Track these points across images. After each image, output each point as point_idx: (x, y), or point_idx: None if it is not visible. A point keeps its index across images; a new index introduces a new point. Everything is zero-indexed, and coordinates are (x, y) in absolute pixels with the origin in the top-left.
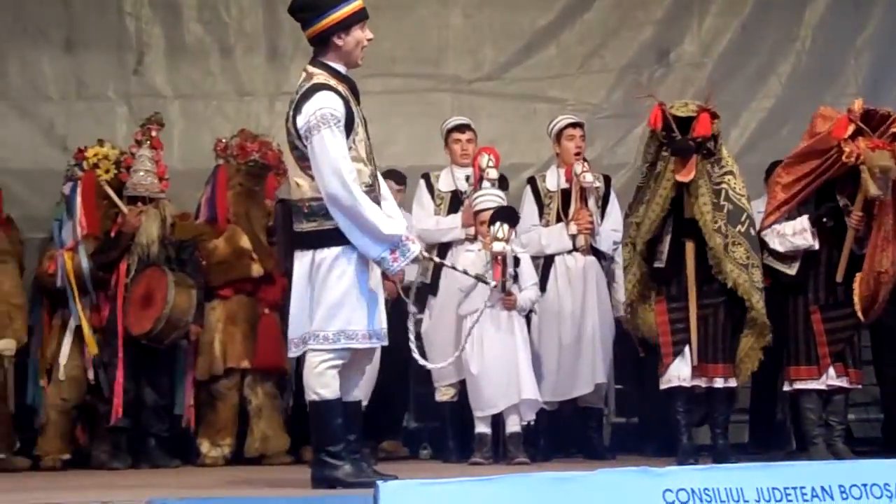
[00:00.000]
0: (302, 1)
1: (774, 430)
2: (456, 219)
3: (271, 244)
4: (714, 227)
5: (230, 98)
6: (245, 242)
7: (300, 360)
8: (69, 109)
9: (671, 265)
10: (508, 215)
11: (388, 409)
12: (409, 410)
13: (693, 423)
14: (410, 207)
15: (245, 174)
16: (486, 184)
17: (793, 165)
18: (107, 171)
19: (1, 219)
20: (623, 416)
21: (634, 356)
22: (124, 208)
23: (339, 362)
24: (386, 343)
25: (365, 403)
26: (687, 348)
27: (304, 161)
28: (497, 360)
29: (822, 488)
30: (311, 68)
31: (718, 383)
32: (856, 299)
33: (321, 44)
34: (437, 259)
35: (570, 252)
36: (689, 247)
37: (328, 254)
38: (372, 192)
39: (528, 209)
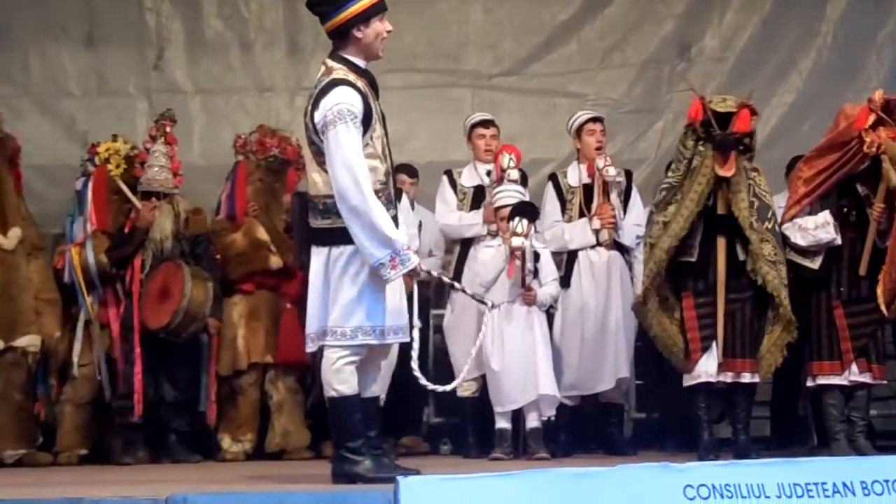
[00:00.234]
0: None
1: (796, 425)
2: (478, 215)
3: (291, 239)
4: (749, 223)
5: (250, 93)
6: (262, 235)
7: (317, 357)
8: (90, 105)
9: (701, 260)
10: (527, 211)
11: (408, 404)
12: (429, 405)
13: (714, 419)
14: (423, 201)
15: (265, 169)
16: (506, 183)
17: (814, 159)
18: (117, 166)
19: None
20: (643, 412)
21: (655, 351)
22: (138, 203)
23: (357, 358)
24: (407, 339)
25: (382, 398)
26: (713, 343)
27: (320, 156)
28: (516, 356)
29: (844, 484)
30: (330, 62)
31: (746, 378)
32: (879, 293)
33: (340, 37)
34: (434, 273)
35: (593, 247)
36: (721, 242)
37: (344, 251)
38: (386, 189)
39: (551, 205)
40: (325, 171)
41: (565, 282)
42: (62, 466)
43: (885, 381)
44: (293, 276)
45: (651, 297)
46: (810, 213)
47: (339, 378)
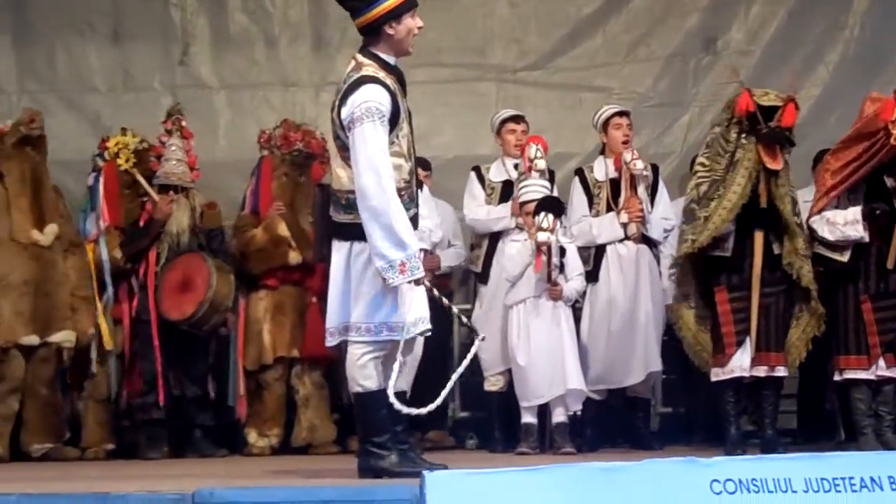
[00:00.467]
0: None
1: (823, 419)
2: (506, 208)
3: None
4: (792, 217)
5: (275, 88)
6: (283, 230)
7: (341, 351)
8: (115, 101)
9: (735, 255)
10: (553, 205)
11: (433, 399)
12: (455, 400)
13: (741, 414)
14: (440, 194)
15: (289, 164)
16: (534, 174)
17: (841, 151)
18: (127, 160)
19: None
20: (670, 406)
21: (682, 346)
22: (155, 196)
23: (381, 353)
24: (429, 326)
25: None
26: (747, 338)
27: (345, 151)
28: (543, 351)
29: (872, 479)
30: (360, 57)
31: (780, 372)
32: None
33: (371, 33)
34: (436, 293)
35: (621, 241)
36: (759, 236)
37: (366, 247)
38: (409, 188)
39: (578, 200)
40: (350, 167)
41: (593, 276)
42: (89, 461)
43: None
44: (316, 270)
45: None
46: (838, 207)
47: (364, 373)
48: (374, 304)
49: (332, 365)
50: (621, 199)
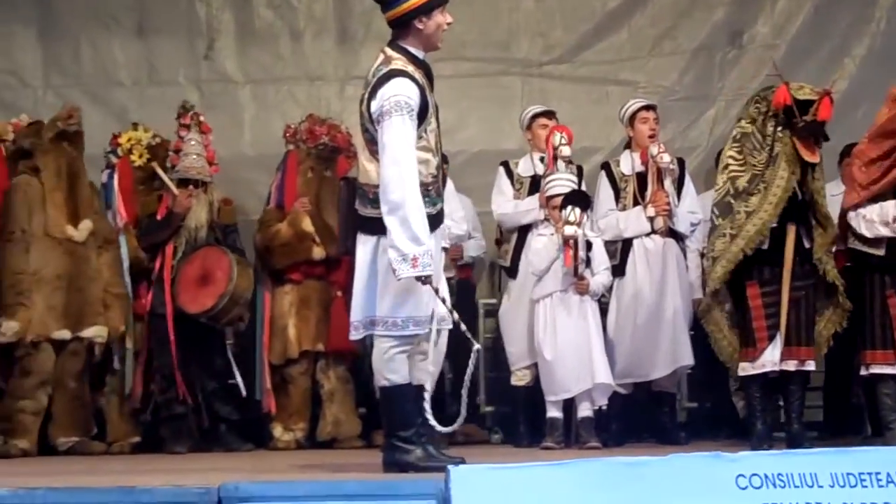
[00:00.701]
0: None
1: (849, 414)
2: (534, 200)
3: None
4: (826, 210)
5: (300, 83)
6: (307, 225)
7: (366, 345)
8: (140, 95)
9: (771, 248)
10: (580, 199)
11: (455, 397)
12: (480, 394)
13: (768, 408)
14: (461, 188)
15: (315, 158)
16: (560, 164)
17: (869, 146)
18: (140, 156)
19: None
20: (696, 401)
21: (706, 340)
22: (175, 190)
23: (408, 347)
24: (451, 325)
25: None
26: (777, 332)
27: (373, 145)
28: (570, 345)
29: None
30: (388, 51)
31: (809, 366)
32: None
33: (401, 27)
34: (440, 295)
35: (648, 234)
36: (792, 230)
37: None
38: (436, 182)
39: (604, 194)
40: (378, 161)
41: (620, 270)
42: (114, 455)
43: None
44: (340, 264)
45: (719, 290)
46: (872, 202)
47: (391, 367)
48: (400, 299)
49: (356, 359)
50: (648, 193)
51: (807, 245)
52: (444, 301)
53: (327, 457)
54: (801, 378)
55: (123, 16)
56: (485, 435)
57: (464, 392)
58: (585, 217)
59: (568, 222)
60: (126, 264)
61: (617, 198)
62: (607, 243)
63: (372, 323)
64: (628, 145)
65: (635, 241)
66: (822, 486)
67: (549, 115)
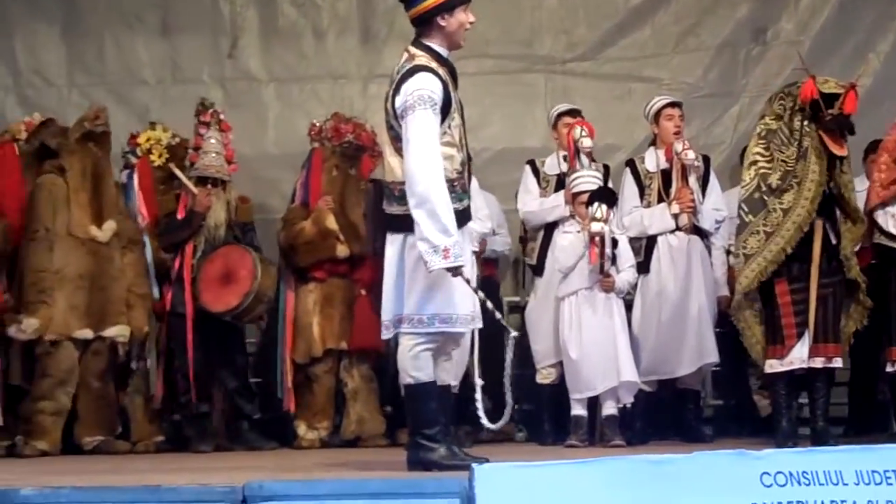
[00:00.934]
0: None
1: (875, 410)
2: (559, 197)
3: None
4: (856, 204)
5: (324, 81)
6: (331, 223)
7: (393, 343)
8: (164, 94)
9: (802, 244)
10: (606, 196)
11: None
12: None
13: (793, 406)
14: (485, 185)
15: (340, 156)
16: (583, 158)
17: (892, 143)
18: (160, 156)
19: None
20: (721, 399)
21: (732, 337)
22: (194, 189)
23: (434, 345)
24: (480, 325)
25: (457, 387)
26: (805, 329)
27: (398, 142)
28: (595, 343)
29: None
30: (412, 49)
31: (836, 363)
32: None
33: (424, 25)
34: (472, 284)
35: (672, 231)
36: (819, 225)
37: None
38: (461, 178)
39: (629, 191)
40: (402, 157)
41: (645, 267)
42: (139, 454)
43: None
44: (364, 262)
45: (752, 289)
46: None
47: (416, 365)
48: (426, 296)
49: (380, 358)
50: (672, 190)
51: (833, 241)
52: (476, 291)
53: (351, 455)
54: (827, 375)
55: (148, 14)
56: (511, 431)
57: (506, 381)
58: (611, 214)
59: (594, 219)
60: (151, 265)
61: (641, 195)
62: (632, 240)
63: (399, 321)
64: (653, 142)
65: (660, 238)
66: (846, 484)
67: (574, 113)
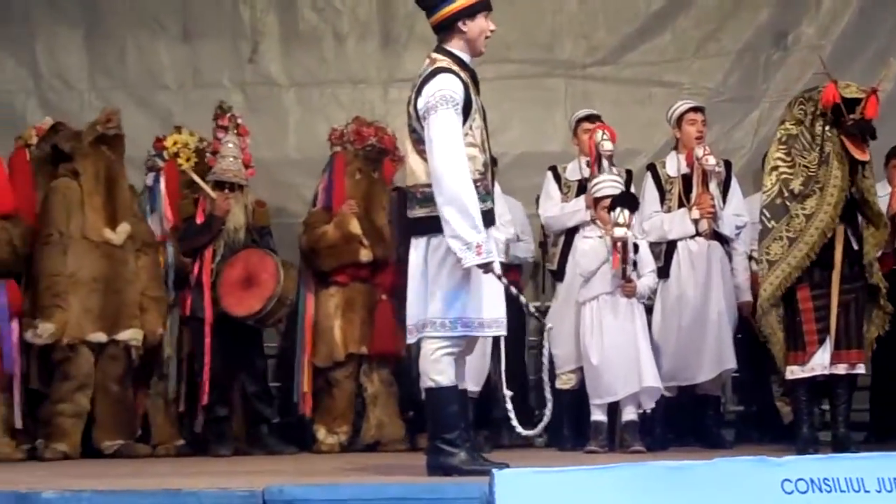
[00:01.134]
0: None
1: None
2: (580, 201)
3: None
4: (879, 209)
5: (344, 86)
6: (355, 227)
7: (415, 348)
8: (185, 98)
9: (823, 250)
10: (629, 201)
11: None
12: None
13: (814, 412)
14: (507, 190)
15: (363, 159)
16: (604, 162)
17: None
18: (188, 160)
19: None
20: (741, 405)
21: (754, 343)
22: (212, 194)
23: (456, 350)
24: (505, 332)
25: (477, 392)
26: (827, 336)
27: (420, 144)
28: (617, 348)
29: None
30: (434, 55)
31: (860, 370)
32: None
33: (445, 30)
34: (505, 280)
35: (692, 237)
36: (841, 230)
37: (442, 240)
38: (484, 180)
39: (650, 196)
40: (425, 160)
41: (664, 272)
42: (159, 458)
43: None
44: (386, 266)
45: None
46: None
47: (437, 368)
48: (449, 300)
49: (400, 362)
50: (693, 195)
51: (855, 247)
52: (508, 287)
53: (371, 460)
54: (849, 381)
55: (168, 19)
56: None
57: (544, 376)
58: (634, 219)
59: (617, 224)
60: (172, 270)
61: (662, 199)
62: (651, 245)
63: (423, 326)
64: (675, 147)
65: (679, 244)
66: (868, 491)
67: (593, 119)
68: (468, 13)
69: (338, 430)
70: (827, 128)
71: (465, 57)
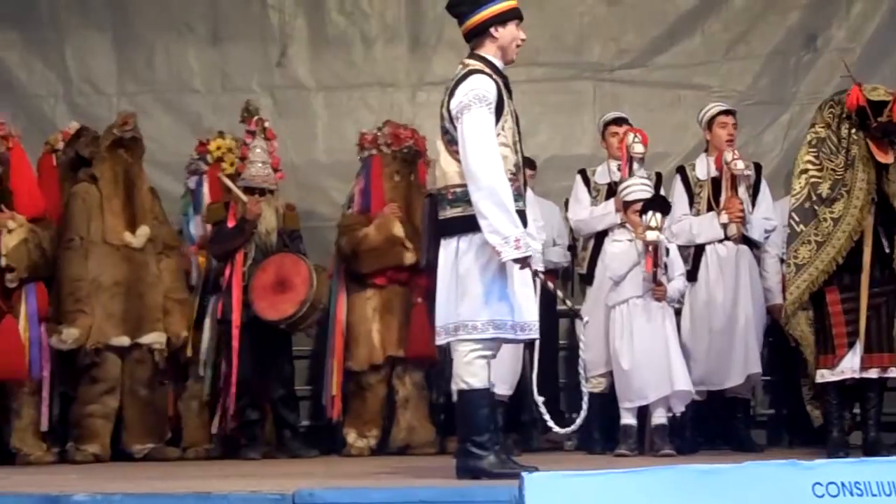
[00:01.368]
0: None
1: None
2: (609, 205)
3: None
4: None
5: (373, 89)
6: (398, 230)
7: (447, 351)
8: (214, 102)
9: (852, 253)
10: (660, 204)
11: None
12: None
13: (845, 415)
14: (542, 194)
15: (401, 161)
16: (634, 166)
17: None
18: (231, 164)
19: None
20: (772, 408)
21: (784, 347)
22: (244, 197)
23: (489, 353)
24: (537, 336)
25: (508, 395)
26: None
27: (453, 145)
28: (648, 352)
29: None
30: (467, 60)
31: (892, 373)
32: None
33: (478, 37)
34: (541, 276)
35: (721, 241)
36: (870, 233)
37: (472, 241)
38: (516, 181)
39: (679, 198)
40: (458, 161)
41: (692, 276)
42: (189, 461)
43: None
44: (422, 270)
45: (805, 299)
46: None
47: (470, 371)
48: (480, 302)
49: (434, 366)
50: (722, 199)
51: (886, 249)
52: (545, 283)
53: (400, 463)
54: (880, 385)
55: (197, 23)
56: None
57: (581, 370)
58: (665, 222)
59: (649, 227)
60: (214, 274)
61: (691, 202)
62: (679, 248)
63: (456, 328)
64: (707, 149)
65: (707, 248)
66: None
67: (620, 122)
68: (499, 20)
69: (368, 434)
70: (853, 131)
71: (498, 63)
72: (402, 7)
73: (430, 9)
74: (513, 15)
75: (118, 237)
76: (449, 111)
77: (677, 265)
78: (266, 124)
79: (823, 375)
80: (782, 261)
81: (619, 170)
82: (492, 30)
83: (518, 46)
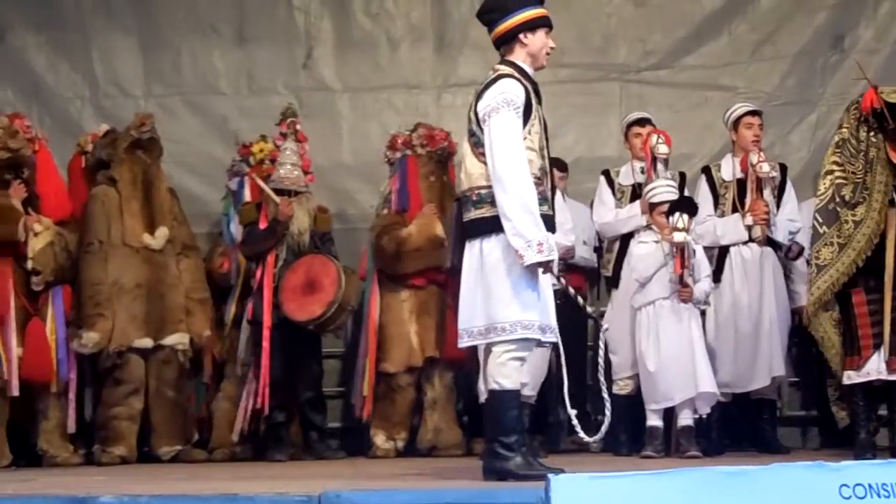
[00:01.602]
0: (492, 2)
1: None
2: (634, 207)
3: None
4: None
5: (398, 91)
6: (440, 231)
7: (474, 353)
8: (240, 104)
9: (875, 254)
10: (687, 205)
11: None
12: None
13: (872, 417)
14: (572, 196)
15: (436, 162)
16: (659, 167)
17: None
18: (262, 165)
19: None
20: (800, 410)
21: (810, 348)
22: (276, 199)
23: (524, 354)
24: (557, 340)
25: (533, 397)
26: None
27: (479, 147)
28: (673, 353)
29: None
30: (498, 65)
31: None
32: None
33: (507, 43)
34: (563, 281)
35: (745, 243)
36: (892, 235)
37: (497, 243)
38: (541, 185)
39: (703, 199)
40: (484, 163)
41: (716, 277)
42: (217, 463)
43: None
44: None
45: (828, 300)
46: None
47: (503, 372)
48: (506, 302)
49: (463, 367)
50: (747, 201)
51: None
52: (566, 287)
53: (428, 465)
54: None
55: (223, 25)
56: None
57: (601, 376)
58: (692, 223)
59: (676, 229)
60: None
61: (716, 203)
62: (704, 249)
63: (486, 331)
64: (733, 150)
65: (732, 249)
66: None
67: (643, 122)
68: (528, 27)
69: (396, 437)
70: (871, 134)
71: (528, 69)
72: (427, 8)
73: (456, 10)
74: (542, 22)
75: (137, 239)
76: (476, 114)
77: (703, 266)
78: (297, 126)
79: (850, 377)
80: (808, 262)
81: (642, 172)
82: (521, 36)
83: (548, 54)
